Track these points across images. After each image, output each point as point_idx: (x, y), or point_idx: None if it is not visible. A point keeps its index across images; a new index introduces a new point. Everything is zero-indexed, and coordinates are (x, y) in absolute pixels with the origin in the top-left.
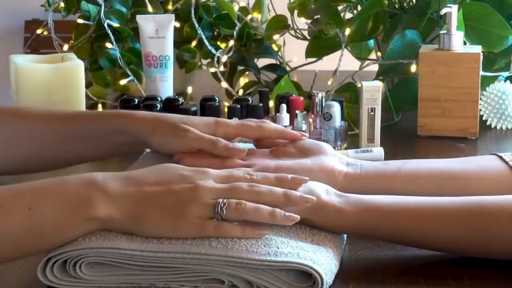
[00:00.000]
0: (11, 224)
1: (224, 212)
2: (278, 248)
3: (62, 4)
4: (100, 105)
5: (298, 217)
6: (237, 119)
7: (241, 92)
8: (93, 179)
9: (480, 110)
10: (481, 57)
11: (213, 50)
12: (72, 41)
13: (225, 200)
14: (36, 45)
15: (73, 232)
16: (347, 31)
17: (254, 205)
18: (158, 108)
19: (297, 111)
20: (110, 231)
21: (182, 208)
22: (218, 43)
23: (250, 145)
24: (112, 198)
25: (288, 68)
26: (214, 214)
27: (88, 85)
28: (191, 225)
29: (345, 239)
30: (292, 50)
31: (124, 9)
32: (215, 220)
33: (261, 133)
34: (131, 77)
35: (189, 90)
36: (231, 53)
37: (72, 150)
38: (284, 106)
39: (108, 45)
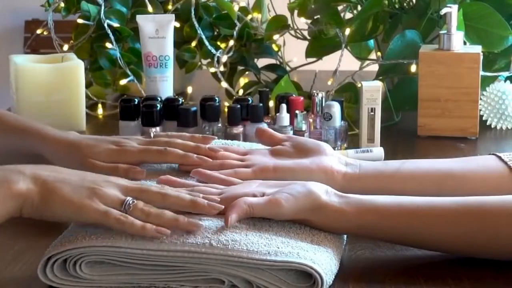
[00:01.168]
0: None
1: (130, 209)
2: (278, 248)
3: (62, 4)
4: (100, 105)
5: (200, 223)
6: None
7: (241, 92)
8: (13, 166)
9: (480, 110)
10: (481, 57)
11: (213, 50)
12: (72, 41)
13: (134, 200)
14: (36, 45)
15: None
16: (347, 31)
17: (159, 210)
18: (158, 108)
19: (297, 111)
20: (110, 230)
21: (92, 193)
22: (218, 43)
23: (257, 145)
24: (30, 176)
25: (288, 68)
26: (119, 209)
27: (88, 85)
28: (96, 210)
29: (345, 239)
30: (292, 50)
31: (124, 9)
32: (119, 212)
33: (164, 159)
34: (131, 77)
35: (189, 90)
36: (231, 53)
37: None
38: (284, 106)
39: (108, 45)
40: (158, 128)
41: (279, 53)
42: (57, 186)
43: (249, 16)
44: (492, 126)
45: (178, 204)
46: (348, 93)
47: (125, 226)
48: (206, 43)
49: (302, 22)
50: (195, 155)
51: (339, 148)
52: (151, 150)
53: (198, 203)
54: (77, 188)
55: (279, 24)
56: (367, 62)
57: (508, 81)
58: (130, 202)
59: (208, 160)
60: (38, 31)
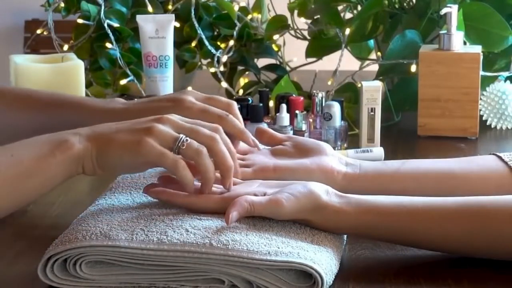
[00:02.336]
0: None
1: (184, 147)
2: (279, 248)
3: (62, 4)
4: None
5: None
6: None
7: (241, 92)
8: (67, 130)
9: (480, 110)
10: (481, 57)
11: (213, 50)
12: (72, 41)
13: (186, 139)
14: (36, 45)
15: (55, 170)
16: (347, 31)
17: (206, 162)
18: None
19: (297, 111)
20: (110, 230)
21: (147, 132)
22: (218, 43)
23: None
24: (85, 135)
25: (288, 68)
26: (173, 145)
27: (88, 85)
28: (153, 148)
29: (345, 239)
30: (292, 50)
31: (124, 9)
32: (176, 156)
33: (224, 124)
34: (131, 77)
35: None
36: (231, 53)
37: None
38: (284, 106)
39: (108, 45)
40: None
41: (279, 53)
42: (112, 136)
43: (249, 16)
44: (492, 126)
45: (220, 156)
46: (348, 93)
47: (178, 170)
48: (206, 43)
49: (302, 22)
50: (252, 136)
51: (339, 148)
52: (211, 112)
53: (231, 168)
54: (131, 131)
55: (279, 24)
56: (367, 62)
57: (508, 81)
58: (184, 140)
59: (260, 146)
60: (38, 31)
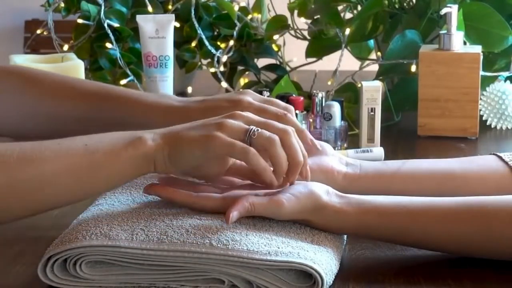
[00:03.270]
0: (70, 159)
1: (255, 136)
2: (279, 248)
3: (62, 4)
4: None
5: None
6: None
7: None
8: (143, 130)
9: (480, 110)
10: (481, 57)
11: (213, 50)
12: (72, 41)
13: (257, 129)
14: (36, 45)
15: (126, 165)
16: (347, 31)
17: (278, 151)
18: None
19: (297, 111)
20: (110, 230)
21: (217, 127)
22: (218, 43)
23: None
24: (159, 133)
25: (288, 68)
26: (244, 137)
27: None
28: (223, 141)
29: (345, 239)
30: (292, 50)
31: (124, 9)
32: (246, 145)
33: (285, 122)
34: (131, 77)
35: (189, 90)
36: (231, 53)
37: (83, 131)
38: None
39: (108, 45)
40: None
41: (279, 53)
42: (183, 133)
43: (249, 16)
44: (492, 126)
45: (293, 149)
46: (348, 93)
47: (249, 157)
48: (206, 43)
49: (302, 22)
50: (310, 136)
51: (339, 148)
52: (269, 110)
53: (301, 164)
54: (201, 127)
55: (279, 24)
56: (367, 62)
57: (508, 81)
58: (255, 130)
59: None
60: (38, 31)
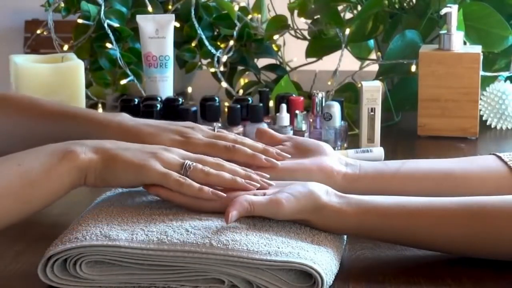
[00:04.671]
0: (5, 178)
1: (191, 169)
2: (279, 248)
3: (62, 4)
4: (100, 105)
5: (257, 183)
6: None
7: (241, 92)
8: (73, 140)
9: (480, 110)
10: (481, 57)
11: (213, 50)
12: (72, 41)
13: (192, 163)
14: (36, 45)
15: (61, 180)
16: (347, 31)
17: (217, 172)
18: (158, 108)
19: (297, 111)
20: (110, 229)
21: (153, 156)
22: (218, 43)
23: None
24: (91, 146)
25: (288, 68)
26: (180, 170)
27: (88, 85)
28: (157, 170)
29: (345, 239)
30: (292, 50)
31: (124, 9)
32: (179, 175)
33: (231, 156)
34: (131, 77)
35: (189, 90)
36: (231, 53)
37: None
38: (284, 106)
39: (108, 45)
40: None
41: (279, 53)
42: (119, 152)
43: (249, 16)
44: (492, 126)
45: (233, 177)
46: (348, 93)
47: (184, 187)
48: (206, 43)
49: (302, 22)
50: (264, 156)
51: (339, 148)
52: (218, 145)
53: (252, 177)
54: (138, 152)
55: (279, 24)
56: (367, 62)
57: (508, 81)
58: (190, 164)
59: (277, 164)
60: (38, 31)
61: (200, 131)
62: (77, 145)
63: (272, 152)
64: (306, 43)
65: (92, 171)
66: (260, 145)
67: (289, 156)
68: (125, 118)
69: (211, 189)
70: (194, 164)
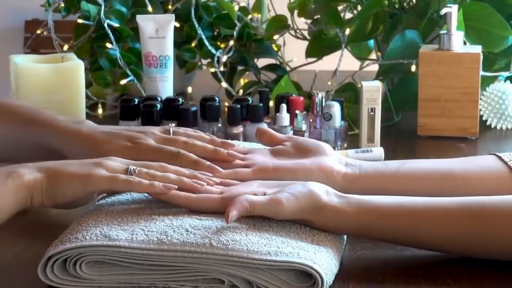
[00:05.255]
0: None
1: (136, 173)
2: (279, 248)
3: (62, 4)
4: (100, 105)
5: (203, 184)
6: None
7: (241, 92)
8: (15, 164)
9: (480, 110)
10: (481, 57)
11: (213, 50)
12: (72, 41)
13: (136, 167)
14: (36, 45)
15: (8, 198)
16: (347, 31)
17: (162, 173)
18: (158, 108)
19: (297, 111)
20: (110, 229)
21: (96, 165)
22: (218, 43)
23: (258, 145)
24: (34, 167)
25: (288, 68)
26: (126, 173)
27: (88, 85)
28: (103, 176)
29: (345, 239)
30: (292, 50)
31: (124, 9)
32: (126, 175)
33: (176, 162)
34: (131, 77)
35: (189, 90)
36: (231, 53)
37: (20, 155)
38: (284, 106)
39: (108, 45)
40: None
41: (279, 53)
42: (61, 168)
43: (249, 16)
44: (492, 126)
45: (179, 177)
46: (348, 93)
47: (133, 185)
48: (206, 43)
49: (302, 22)
50: (207, 163)
51: (339, 148)
52: (165, 151)
53: (185, 183)
54: (81, 165)
55: (279, 24)
56: (367, 62)
57: (508, 81)
58: (134, 168)
59: (219, 170)
60: (38, 31)
61: (152, 136)
62: (21, 166)
63: (222, 153)
64: (306, 43)
65: (38, 190)
66: (210, 147)
67: (241, 156)
68: (84, 125)
69: (161, 184)
70: (139, 168)
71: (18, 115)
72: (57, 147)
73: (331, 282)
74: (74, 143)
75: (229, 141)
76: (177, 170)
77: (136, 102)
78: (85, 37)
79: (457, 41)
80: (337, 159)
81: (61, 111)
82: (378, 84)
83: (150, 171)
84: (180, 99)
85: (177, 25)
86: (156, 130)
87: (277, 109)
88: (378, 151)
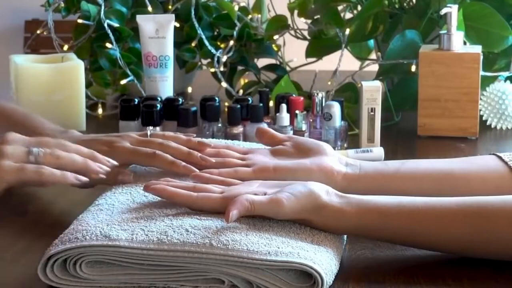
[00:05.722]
0: None
1: (41, 156)
2: (279, 248)
3: (62, 4)
4: (100, 105)
5: (107, 168)
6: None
7: (241, 92)
8: None
9: (480, 110)
10: (481, 57)
11: (213, 50)
12: (72, 41)
13: (38, 150)
14: (36, 45)
15: None
16: (347, 31)
17: (68, 153)
18: (158, 108)
19: (297, 111)
20: (110, 230)
21: None
22: (218, 43)
23: (258, 145)
24: None
25: (288, 68)
26: (27, 158)
27: (88, 85)
28: (9, 167)
29: (345, 239)
30: (292, 50)
31: (124, 9)
32: (35, 165)
33: (152, 163)
34: (131, 77)
35: (189, 90)
36: (231, 53)
37: None
38: (284, 106)
39: (108, 45)
40: (157, 128)
41: (279, 53)
42: None
43: (249, 16)
44: (492, 126)
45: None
46: (348, 93)
47: (45, 176)
48: (206, 43)
49: (302, 22)
50: (183, 163)
51: (339, 148)
52: (140, 152)
53: (96, 157)
54: None
55: (279, 24)
56: (367, 62)
57: (508, 81)
58: (38, 151)
59: (194, 170)
60: (38, 31)
61: (128, 139)
62: None
63: (195, 156)
64: (306, 43)
65: None
66: (185, 149)
67: (213, 161)
68: (67, 135)
69: (73, 174)
70: (43, 150)
71: (7, 118)
72: None
73: (331, 282)
74: None
75: (206, 140)
76: (77, 149)
77: (136, 102)
78: (85, 37)
79: (457, 41)
80: (337, 159)
81: (61, 111)
82: (378, 84)
83: (54, 152)
84: (180, 99)
85: (177, 25)
86: (134, 134)
87: (277, 109)
88: (378, 151)
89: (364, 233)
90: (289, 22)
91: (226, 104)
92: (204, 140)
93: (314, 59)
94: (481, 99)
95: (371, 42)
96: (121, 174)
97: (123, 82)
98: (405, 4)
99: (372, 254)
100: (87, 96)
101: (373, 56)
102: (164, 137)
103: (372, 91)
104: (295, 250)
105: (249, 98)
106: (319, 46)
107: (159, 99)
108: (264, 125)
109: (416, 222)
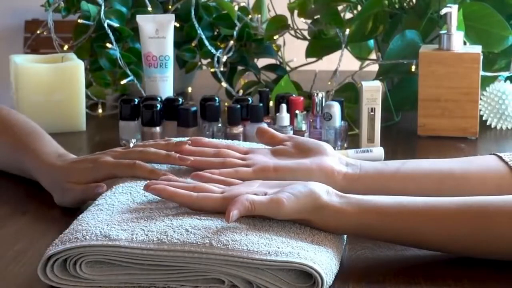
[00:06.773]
0: None
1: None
2: (279, 248)
3: (62, 4)
4: (100, 105)
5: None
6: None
7: (241, 92)
8: None
9: (480, 110)
10: (481, 57)
11: (213, 50)
12: (72, 41)
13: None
14: (36, 45)
15: None
16: (347, 31)
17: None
18: (158, 108)
19: (297, 111)
20: (110, 230)
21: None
22: (218, 43)
23: (258, 145)
24: None
25: (288, 68)
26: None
27: (88, 85)
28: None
29: (345, 239)
30: (292, 50)
31: (124, 9)
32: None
33: (134, 173)
34: (131, 77)
35: (189, 90)
36: (231, 53)
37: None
38: (284, 106)
39: (108, 45)
40: (157, 128)
41: (279, 53)
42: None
43: (249, 16)
44: (492, 126)
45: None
46: (348, 93)
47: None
48: (206, 43)
49: (302, 22)
50: (162, 172)
51: (339, 148)
52: (122, 164)
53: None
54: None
55: (279, 24)
56: (367, 62)
57: (508, 81)
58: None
59: (175, 178)
60: (38, 31)
61: (110, 153)
62: None
63: (174, 157)
64: (306, 43)
65: None
66: (163, 152)
67: (191, 158)
68: (61, 158)
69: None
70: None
71: (11, 135)
72: (37, 178)
73: (331, 282)
74: (48, 176)
75: (183, 139)
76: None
77: (136, 102)
78: (85, 37)
79: (457, 41)
80: (337, 159)
81: (61, 111)
82: (378, 84)
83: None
84: (180, 99)
85: (177, 25)
86: (117, 148)
87: (277, 109)
88: (378, 151)
89: (364, 233)
90: (289, 22)
91: (226, 104)
92: (204, 139)
93: (314, 59)
94: (481, 99)
95: (371, 42)
96: (99, 187)
97: (123, 82)
98: (405, 4)
99: (372, 254)
100: (87, 96)
101: (373, 56)
102: (144, 146)
103: (372, 91)
104: (295, 250)
105: (249, 98)
106: (319, 46)
107: (159, 99)
108: (264, 125)
109: (416, 222)
